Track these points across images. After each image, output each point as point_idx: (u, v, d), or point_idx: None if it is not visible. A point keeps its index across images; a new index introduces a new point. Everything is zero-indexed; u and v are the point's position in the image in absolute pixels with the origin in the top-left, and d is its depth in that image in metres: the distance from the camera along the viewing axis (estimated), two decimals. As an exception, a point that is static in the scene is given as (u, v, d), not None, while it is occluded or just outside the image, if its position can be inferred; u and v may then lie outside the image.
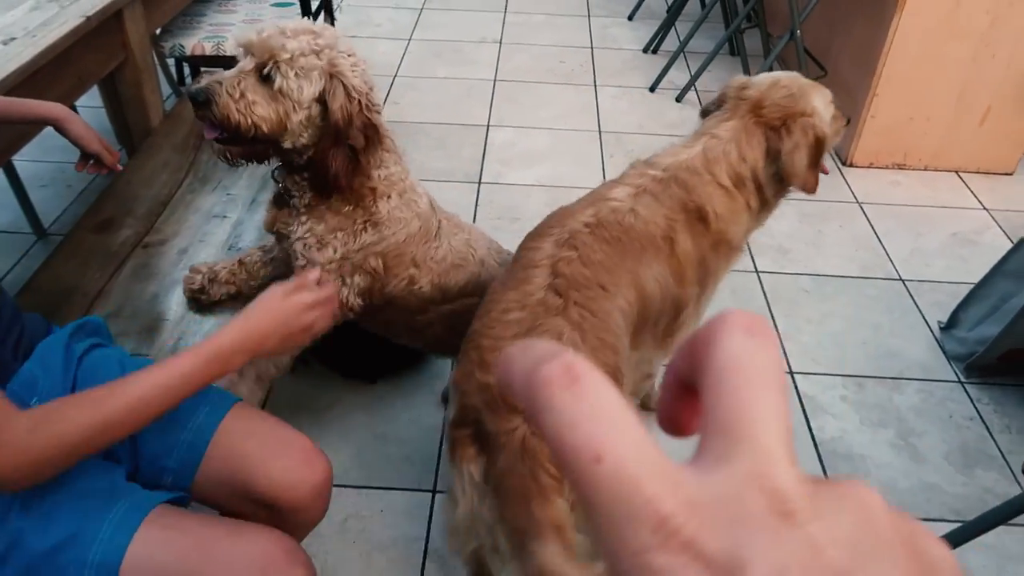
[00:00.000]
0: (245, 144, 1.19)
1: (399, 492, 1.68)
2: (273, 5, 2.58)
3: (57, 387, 1.04)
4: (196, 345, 0.97)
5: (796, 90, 1.34)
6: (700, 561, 0.19)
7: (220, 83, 1.14)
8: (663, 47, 3.73)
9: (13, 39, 1.48)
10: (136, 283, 1.43)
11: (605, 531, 0.20)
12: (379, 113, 1.23)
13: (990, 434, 1.89)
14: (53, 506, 0.93)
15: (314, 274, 1.10)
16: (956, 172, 2.93)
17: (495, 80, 3.46)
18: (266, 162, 1.27)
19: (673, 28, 3.78)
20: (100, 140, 1.39)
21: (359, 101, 1.17)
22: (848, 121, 1.55)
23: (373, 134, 1.20)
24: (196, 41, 2.33)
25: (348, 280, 1.29)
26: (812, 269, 2.42)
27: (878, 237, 2.58)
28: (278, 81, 1.14)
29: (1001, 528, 1.36)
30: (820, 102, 1.35)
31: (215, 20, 2.47)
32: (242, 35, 1.17)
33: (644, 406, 1.66)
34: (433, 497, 1.67)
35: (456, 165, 2.86)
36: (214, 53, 2.33)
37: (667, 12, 3.81)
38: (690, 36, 3.46)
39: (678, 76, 3.44)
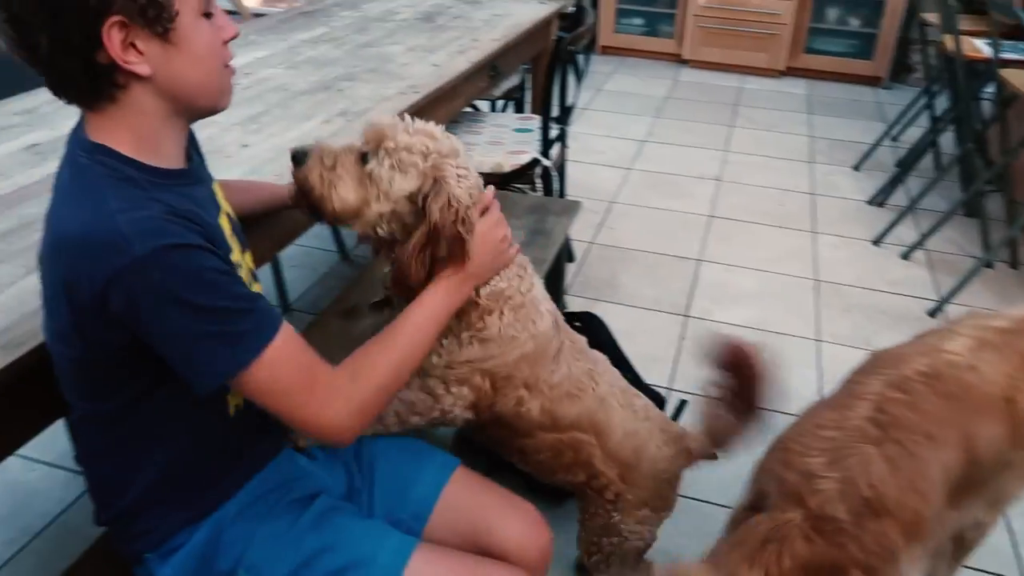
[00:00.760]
0: (314, 215, 1.18)
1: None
2: (516, 130, 2.79)
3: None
4: (432, 284, 1.12)
5: None
6: None
7: (323, 150, 1.14)
8: (890, 200, 3.59)
9: (307, 145, 1.72)
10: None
11: None
12: (470, 233, 1.13)
13: None
14: (339, 533, 1.06)
15: (490, 191, 1.19)
16: None
17: (710, 216, 3.48)
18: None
19: (902, 182, 3.64)
20: None
21: (456, 211, 1.09)
22: None
23: (458, 249, 1.12)
24: (445, 156, 2.56)
25: (453, 390, 1.23)
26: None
27: None
28: (371, 165, 1.11)
29: None
30: None
31: (464, 140, 2.70)
32: (371, 119, 1.17)
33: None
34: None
35: (664, 295, 2.87)
36: (458, 168, 2.54)
37: (896, 166, 3.68)
38: (923, 194, 3.31)
39: (906, 233, 3.28)
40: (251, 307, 0.88)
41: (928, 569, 1.27)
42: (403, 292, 1.14)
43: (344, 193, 1.11)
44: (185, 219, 0.85)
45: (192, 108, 0.93)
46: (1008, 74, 2.87)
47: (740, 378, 1.38)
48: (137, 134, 0.89)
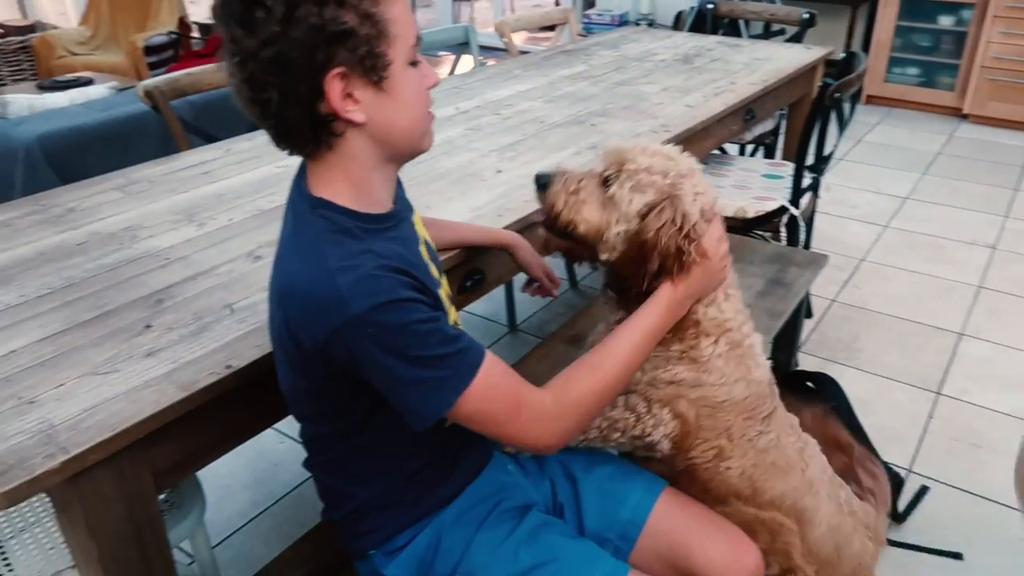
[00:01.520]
0: (564, 238, 1.19)
1: None
2: (764, 176, 2.70)
3: None
4: (647, 303, 1.12)
5: None
6: None
7: (565, 174, 1.16)
8: None
9: (557, 175, 1.80)
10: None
11: None
12: (696, 249, 1.10)
13: None
14: (554, 550, 1.10)
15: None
16: None
17: (979, 287, 3.11)
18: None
19: None
20: (544, 267, 1.53)
21: (680, 227, 1.08)
22: None
23: (673, 264, 1.09)
24: (687, 196, 2.54)
25: (655, 411, 1.18)
26: None
27: None
28: (613, 188, 1.12)
29: None
30: None
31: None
32: (611, 143, 1.18)
33: None
34: None
35: (913, 367, 2.61)
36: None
37: None
38: None
39: None
40: (456, 349, 0.92)
41: None
42: (624, 303, 1.16)
43: (588, 216, 1.14)
44: (396, 271, 0.90)
45: (398, 152, 0.99)
46: None
47: None
48: (353, 181, 0.96)
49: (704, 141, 2.37)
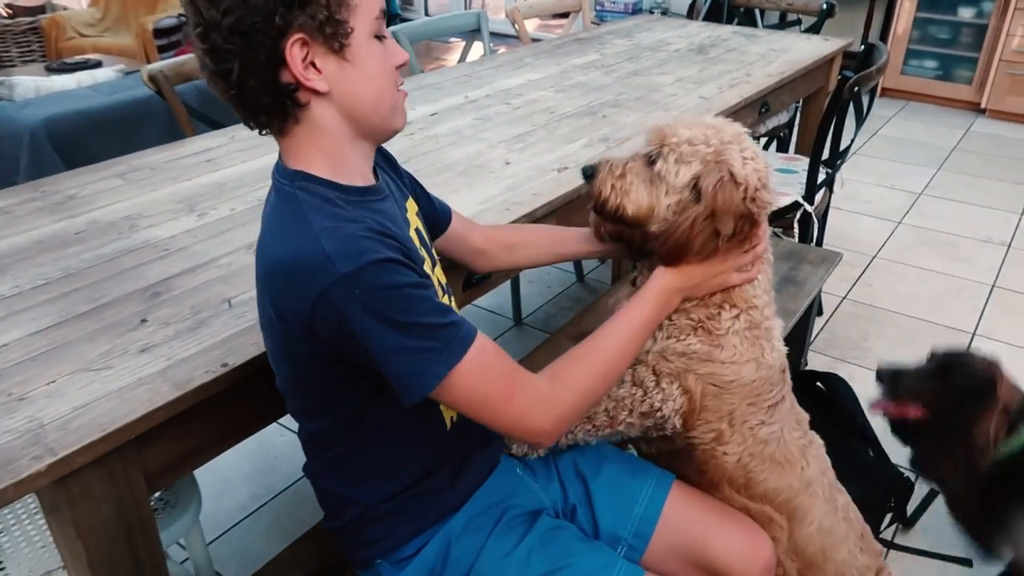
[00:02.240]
0: (615, 223, 1.17)
1: None
2: (778, 170, 2.65)
3: None
4: (640, 291, 1.12)
5: None
6: None
7: (609, 161, 1.16)
8: None
9: (566, 168, 1.75)
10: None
11: None
12: (763, 210, 1.09)
13: None
14: (567, 556, 1.08)
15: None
16: None
17: (993, 286, 3.06)
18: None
19: None
20: None
21: (744, 188, 1.06)
22: None
23: (746, 226, 1.08)
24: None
25: (664, 384, 1.16)
26: None
27: None
28: (658, 165, 1.11)
29: None
30: None
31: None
32: (654, 122, 1.17)
33: None
34: None
35: (924, 368, 2.56)
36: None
37: None
38: None
39: None
40: (446, 321, 0.90)
41: None
42: (672, 258, 1.12)
43: (636, 197, 1.13)
44: (381, 234, 0.89)
45: (369, 128, 0.98)
46: None
47: None
48: (326, 154, 0.95)
49: (717, 134, 2.32)
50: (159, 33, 5.10)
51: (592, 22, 4.34)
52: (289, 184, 0.94)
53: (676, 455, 1.24)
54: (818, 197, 2.44)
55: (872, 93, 2.50)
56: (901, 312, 2.89)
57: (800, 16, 3.93)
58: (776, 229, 2.53)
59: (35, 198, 1.58)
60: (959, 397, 1.42)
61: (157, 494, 1.36)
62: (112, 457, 0.96)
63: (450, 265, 1.39)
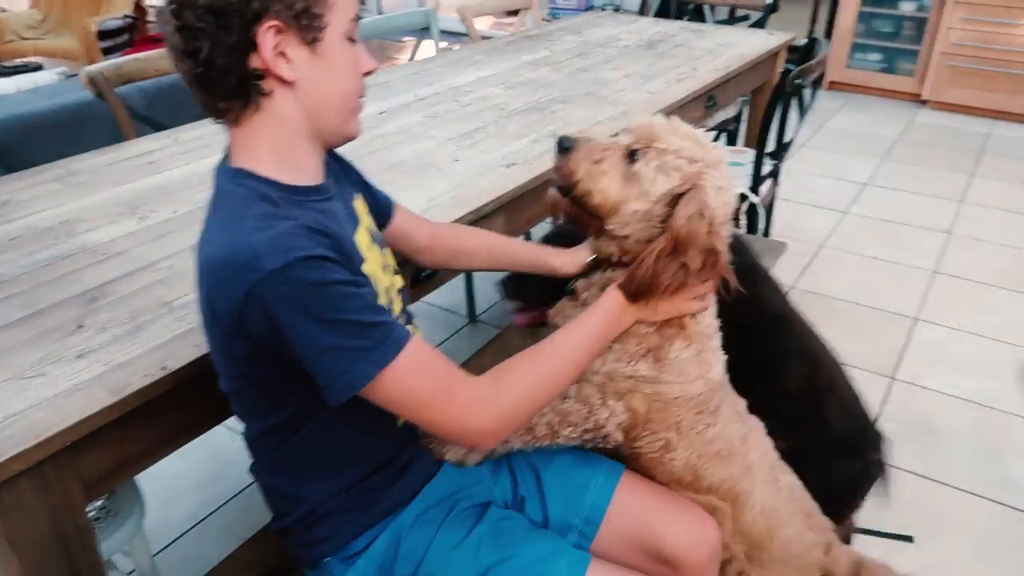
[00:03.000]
0: (577, 206, 1.15)
1: None
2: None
3: None
4: (594, 305, 1.11)
5: None
6: None
7: (590, 141, 1.12)
8: None
9: (514, 164, 1.76)
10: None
11: None
12: (722, 248, 1.09)
13: None
14: (515, 546, 1.09)
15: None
16: None
17: (935, 272, 3.15)
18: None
19: None
20: None
21: (710, 222, 1.05)
22: None
23: (711, 262, 1.07)
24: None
25: (610, 403, 1.15)
26: None
27: None
28: (639, 164, 1.09)
29: None
30: None
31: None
32: (639, 117, 1.14)
33: None
34: None
35: (868, 353, 2.63)
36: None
37: None
38: None
39: None
40: (377, 321, 0.90)
41: None
42: (635, 296, 1.10)
43: (608, 187, 1.10)
44: (315, 232, 0.89)
45: (325, 127, 0.98)
46: None
47: None
48: (276, 148, 0.95)
49: (664, 129, 2.36)
50: (104, 35, 4.98)
51: (544, 19, 4.36)
52: (230, 182, 0.94)
53: (622, 460, 1.25)
54: (764, 189, 2.49)
55: (815, 86, 2.55)
56: (847, 299, 2.96)
57: (749, 12, 4.00)
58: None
59: (-32, 204, 1.54)
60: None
61: (99, 503, 1.34)
62: (46, 465, 0.94)
63: (400, 262, 1.39)
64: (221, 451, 2.18)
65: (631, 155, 1.10)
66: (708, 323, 1.18)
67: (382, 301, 1.03)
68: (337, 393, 0.89)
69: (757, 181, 2.42)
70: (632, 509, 1.19)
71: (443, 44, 3.15)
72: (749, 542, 1.25)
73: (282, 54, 0.90)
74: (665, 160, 1.08)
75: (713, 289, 1.15)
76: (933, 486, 2.09)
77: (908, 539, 1.91)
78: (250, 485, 2.07)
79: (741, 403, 1.29)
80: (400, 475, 1.12)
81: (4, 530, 0.93)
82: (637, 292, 1.09)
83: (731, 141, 3.42)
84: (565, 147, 1.13)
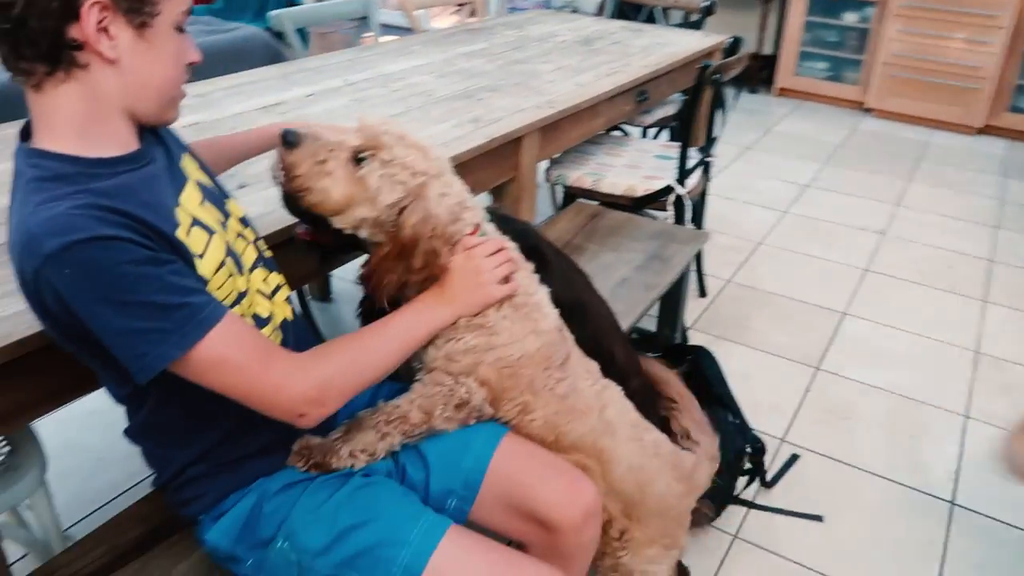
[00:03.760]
0: (294, 204, 1.15)
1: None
2: (656, 156, 2.75)
3: None
4: (414, 300, 1.17)
5: None
6: None
7: (317, 140, 1.12)
8: (1086, 277, 3.18)
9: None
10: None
11: None
12: (448, 249, 1.16)
13: None
14: (374, 510, 1.09)
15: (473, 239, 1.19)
16: None
17: (866, 270, 3.24)
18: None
19: (1105, 258, 3.22)
20: None
21: (432, 227, 1.12)
22: None
23: (432, 262, 1.14)
24: (579, 175, 2.58)
25: (462, 380, 1.19)
26: None
27: None
28: (366, 169, 1.11)
29: None
30: None
31: (601, 160, 2.71)
32: (368, 118, 1.16)
33: None
34: None
35: (796, 344, 2.70)
36: (591, 188, 2.55)
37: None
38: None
39: (1098, 313, 2.90)
40: (178, 302, 0.88)
41: None
42: (374, 295, 1.17)
43: (329, 187, 1.11)
44: (104, 210, 0.85)
45: (141, 109, 0.96)
46: None
47: None
48: (79, 121, 0.91)
49: (594, 120, 2.41)
50: None
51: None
52: (23, 162, 0.92)
53: None
54: (692, 181, 2.55)
55: (739, 84, 2.62)
56: (781, 294, 3.03)
57: (700, 16, 4.08)
58: (655, 212, 2.63)
59: None
60: None
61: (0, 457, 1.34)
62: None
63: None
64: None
65: (357, 158, 1.12)
66: (522, 283, 1.23)
67: (218, 257, 1.01)
68: (139, 374, 0.89)
69: (683, 173, 2.47)
70: (508, 472, 1.20)
71: (389, 38, 3.17)
72: (623, 500, 1.28)
73: (105, 31, 0.87)
74: (391, 172, 1.11)
75: (509, 269, 1.20)
76: (846, 469, 2.15)
77: (818, 518, 1.96)
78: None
79: (594, 365, 1.32)
80: (269, 443, 1.12)
81: None
82: (366, 288, 1.17)
83: (672, 137, 3.49)
84: (290, 142, 1.12)
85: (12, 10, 0.84)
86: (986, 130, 4.92)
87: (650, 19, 4.54)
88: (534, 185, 2.18)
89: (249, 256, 1.12)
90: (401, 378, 1.30)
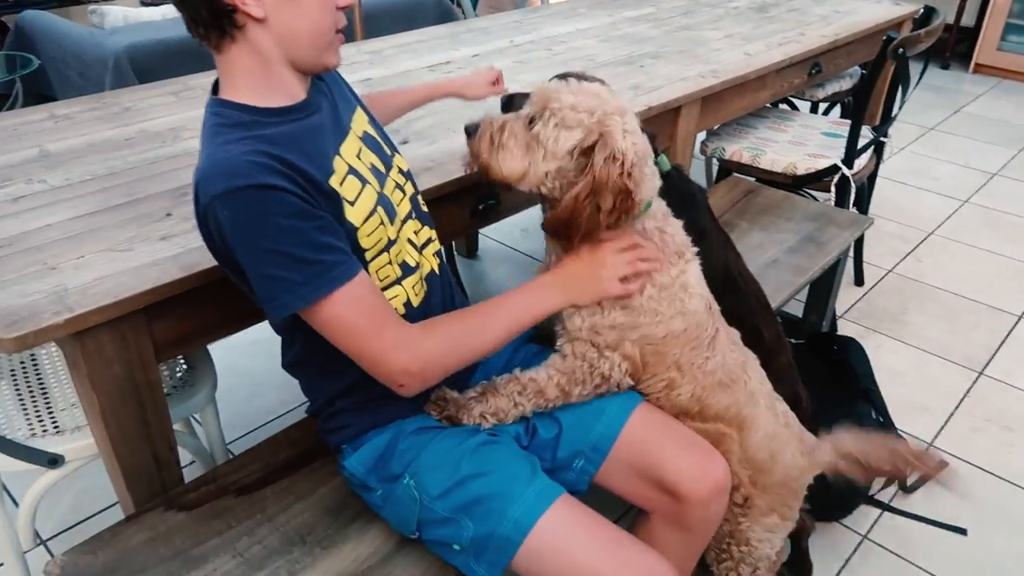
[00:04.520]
0: (491, 183, 1.19)
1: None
2: (824, 134, 2.62)
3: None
4: (524, 285, 1.18)
5: None
6: None
7: (491, 122, 1.16)
8: None
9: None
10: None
11: None
12: (637, 185, 1.11)
13: None
14: (493, 465, 1.15)
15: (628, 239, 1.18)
16: None
17: (1053, 271, 2.95)
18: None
19: None
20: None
21: (621, 163, 1.08)
22: None
23: (623, 201, 1.10)
24: (737, 148, 2.50)
25: (607, 354, 1.20)
26: None
27: None
28: (537, 127, 1.12)
29: None
30: None
31: (762, 134, 2.61)
32: (541, 84, 1.17)
33: None
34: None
35: (959, 345, 2.52)
36: (749, 163, 2.47)
37: None
38: None
39: None
40: (314, 258, 0.95)
41: None
42: (559, 235, 1.17)
43: (507, 157, 1.15)
44: (271, 157, 0.94)
45: (301, 59, 1.03)
46: None
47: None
48: (250, 76, 1.02)
49: (759, 92, 2.32)
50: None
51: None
52: (208, 112, 1.04)
53: None
54: (861, 162, 2.41)
55: (927, 58, 2.43)
56: (947, 289, 2.82)
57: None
58: (814, 192, 2.51)
59: (96, 108, 1.75)
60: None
61: (179, 374, 1.52)
62: (123, 323, 1.10)
63: (459, 191, 1.48)
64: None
65: (530, 123, 1.14)
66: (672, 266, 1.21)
67: (368, 206, 1.08)
68: (270, 314, 1.00)
69: (851, 153, 2.34)
70: (641, 439, 1.22)
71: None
72: (754, 466, 1.28)
73: None
74: (563, 116, 1.11)
75: (636, 273, 1.17)
76: (1000, 484, 2.01)
77: (962, 531, 1.86)
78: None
79: (736, 333, 1.32)
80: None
81: (87, 371, 1.10)
82: (555, 230, 1.17)
83: (846, 115, 3.29)
84: (469, 133, 1.18)
85: None
86: None
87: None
88: (689, 156, 2.14)
89: (404, 208, 1.19)
90: (542, 339, 1.35)
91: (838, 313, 2.56)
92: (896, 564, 1.78)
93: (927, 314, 2.69)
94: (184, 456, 1.37)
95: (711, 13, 2.78)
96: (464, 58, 2.19)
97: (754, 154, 2.46)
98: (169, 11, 3.58)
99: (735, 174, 2.50)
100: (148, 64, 3.01)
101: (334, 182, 1.04)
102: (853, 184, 2.37)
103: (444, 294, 1.27)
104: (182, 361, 1.56)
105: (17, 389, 1.46)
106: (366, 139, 1.16)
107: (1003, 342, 2.55)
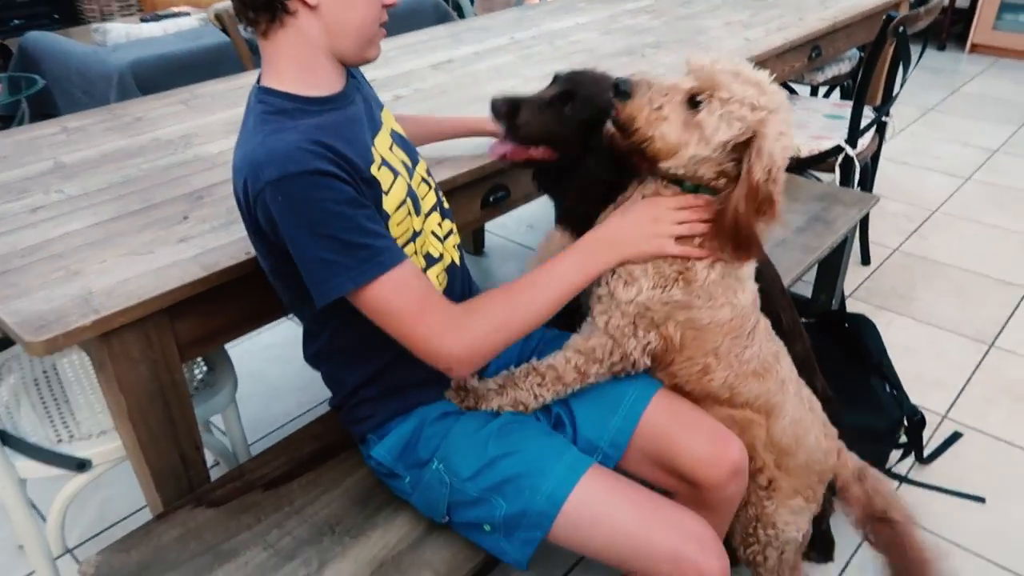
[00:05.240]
0: (633, 148, 1.13)
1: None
2: (826, 116, 2.63)
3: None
4: (572, 246, 1.17)
5: None
6: None
7: (649, 86, 1.10)
8: None
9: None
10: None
11: None
12: (779, 193, 1.09)
13: None
14: (520, 444, 1.16)
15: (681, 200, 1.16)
16: None
17: (1060, 244, 2.96)
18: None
19: None
20: None
21: (768, 170, 1.06)
22: None
23: (768, 208, 1.08)
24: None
25: (640, 334, 1.18)
26: None
27: None
28: (703, 113, 1.07)
29: None
30: None
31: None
32: (699, 58, 1.11)
33: None
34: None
35: (968, 319, 2.53)
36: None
37: None
38: None
39: None
40: (363, 243, 0.98)
41: None
42: (728, 241, 1.12)
43: (668, 133, 1.09)
44: (320, 145, 0.97)
45: (345, 50, 1.06)
46: None
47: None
48: (296, 64, 1.04)
49: (759, 77, 2.33)
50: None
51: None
52: (254, 99, 1.06)
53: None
54: (863, 142, 2.42)
55: (925, 37, 2.44)
56: (954, 265, 2.83)
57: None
58: (818, 174, 2.52)
59: (107, 119, 1.77)
60: (579, 130, 1.27)
61: (200, 376, 1.54)
62: (147, 323, 1.12)
63: (470, 182, 1.50)
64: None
65: (693, 102, 1.08)
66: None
67: (400, 196, 1.11)
68: (319, 298, 1.01)
69: (854, 134, 2.35)
70: (655, 429, 1.22)
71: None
72: (779, 451, 1.29)
73: None
74: (729, 109, 1.06)
75: (694, 231, 1.15)
76: (1015, 452, 2.01)
77: (980, 499, 1.87)
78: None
79: (766, 320, 1.31)
80: (432, 375, 1.15)
81: (114, 372, 1.12)
82: (726, 245, 1.12)
83: (846, 97, 3.30)
84: (623, 91, 1.11)
85: None
86: None
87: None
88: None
89: (429, 201, 1.22)
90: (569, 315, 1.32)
91: (846, 292, 2.57)
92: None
93: (935, 290, 2.69)
94: (208, 459, 1.39)
95: (709, 2, 2.80)
96: (465, 56, 2.21)
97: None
98: (170, 26, 3.62)
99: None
100: (151, 79, 3.05)
101: (374, 170, 1.07)
102: (857, 164, 2.38)
103: (463, 286, 1.29)
104: (203, 363, 1.58)
105: (42, 399, 1.48)
106: (395, 136, 1.19)
107: (1012, 314, 2.56)
